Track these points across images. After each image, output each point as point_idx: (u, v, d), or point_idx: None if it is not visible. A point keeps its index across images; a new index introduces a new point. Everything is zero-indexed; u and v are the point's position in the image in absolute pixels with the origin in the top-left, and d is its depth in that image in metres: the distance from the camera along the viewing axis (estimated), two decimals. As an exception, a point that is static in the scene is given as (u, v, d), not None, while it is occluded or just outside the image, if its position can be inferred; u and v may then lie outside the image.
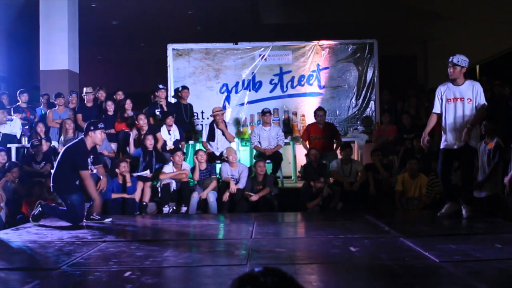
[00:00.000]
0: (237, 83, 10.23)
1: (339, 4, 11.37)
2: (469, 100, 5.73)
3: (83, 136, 6.19)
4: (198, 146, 9.41)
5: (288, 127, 10.01)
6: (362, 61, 10.20)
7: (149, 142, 8.07)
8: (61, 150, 6.50)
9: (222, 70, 10.25)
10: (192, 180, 7.85)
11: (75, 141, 6.34)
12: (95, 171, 6.28)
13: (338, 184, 7.80)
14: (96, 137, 6.04)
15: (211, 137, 8.76)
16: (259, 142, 8.86)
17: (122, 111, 9.16)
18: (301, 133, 9.47)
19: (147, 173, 7.79)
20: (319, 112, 8.98)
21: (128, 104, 9.15)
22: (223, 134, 8.71)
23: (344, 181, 7.80)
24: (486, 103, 5.72)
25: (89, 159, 6.03)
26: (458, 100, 5.77)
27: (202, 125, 9.95)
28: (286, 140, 9.32)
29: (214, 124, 8.80)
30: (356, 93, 10.16)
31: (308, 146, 8.82)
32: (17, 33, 12.57)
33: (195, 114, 9.97)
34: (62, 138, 8.91)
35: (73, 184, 5.98)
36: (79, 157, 5.91)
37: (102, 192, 6.31)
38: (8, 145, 8.41)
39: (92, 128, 6.03)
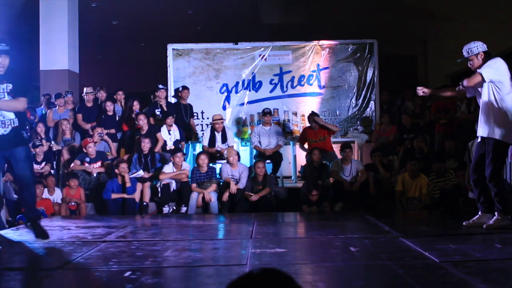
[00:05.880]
0: (237, 83, 10.22)
1: (339, 4, 11.36)
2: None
3: None
4: (198, 146, 9.41)
5: (288, 127, 10.01)
6: (362, 61, 10.19)
7: (145, 145, 8.08)
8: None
9: (222, 70, 10.24)
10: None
11: None
12: None
13: (338, 184, 7.80)
14: None
15: (212, 143, 8.78)
16: (259, 142, 8.87)
17: (130, 113, 9.20)
18: (299, 135, 9.46)
19: (139, 174, 7.77)
20: (312, 117, 8.91)
21: (136, 106, 9.25)
22: (223, 142, 8.75)
23: (344, 181, 7.80)
24: (481, 73, 4.86)
25: None
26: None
27: (202, 125, 9.96)
28: (286, 140, 9.32)
29: (214, 131, 8.82)
30: (356, 93, 10.15)
31: (306, 147, 8.82)
32: (17, 33, 12.56)
33: (195, 114, 9.96)
34: (60, 139, 8.90)
35: None
36: None
37: None
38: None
39: None
